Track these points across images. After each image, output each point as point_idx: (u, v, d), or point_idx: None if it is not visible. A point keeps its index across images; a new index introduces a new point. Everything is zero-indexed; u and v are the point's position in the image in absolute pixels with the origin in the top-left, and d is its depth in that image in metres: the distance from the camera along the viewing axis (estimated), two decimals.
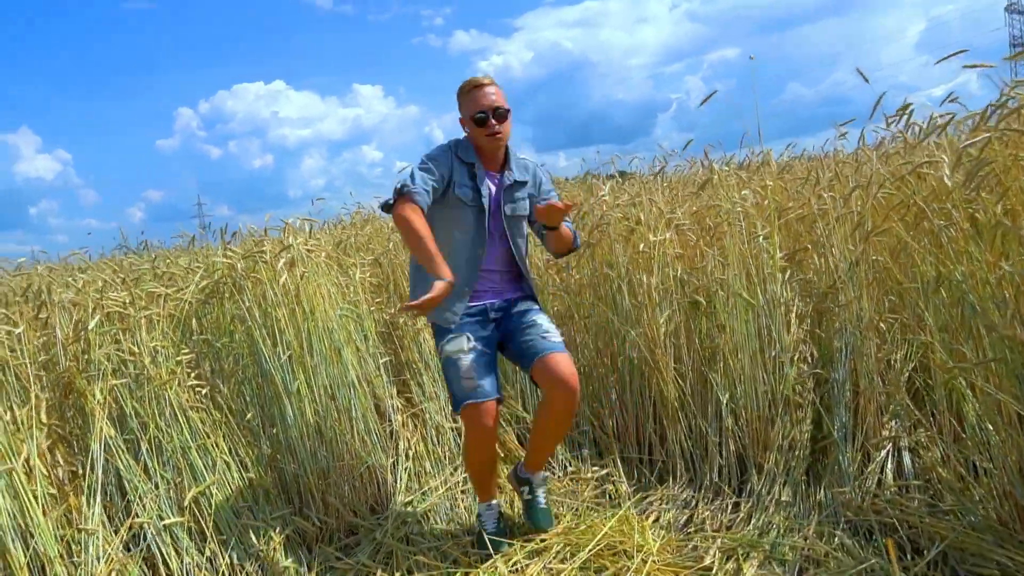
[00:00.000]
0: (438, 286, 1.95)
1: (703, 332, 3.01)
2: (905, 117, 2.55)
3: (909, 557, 2.02)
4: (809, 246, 3.21)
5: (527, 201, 2.44)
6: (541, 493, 2.45)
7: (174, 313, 2.82)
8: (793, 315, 2.88)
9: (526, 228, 2.50)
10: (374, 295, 3.77)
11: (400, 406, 3.16)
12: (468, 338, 2.26)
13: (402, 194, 2.14)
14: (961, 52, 2.48)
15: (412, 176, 2.19)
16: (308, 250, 2.94)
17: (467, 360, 2.21)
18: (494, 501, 2.43)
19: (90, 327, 2.54)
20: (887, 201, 2.75)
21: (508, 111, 2.29)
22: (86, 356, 2.58)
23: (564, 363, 2.21)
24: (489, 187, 2.34)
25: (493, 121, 2.25)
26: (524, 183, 2.42)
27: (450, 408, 2.38)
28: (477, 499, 2.45)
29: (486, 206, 2.29)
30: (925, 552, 1.99)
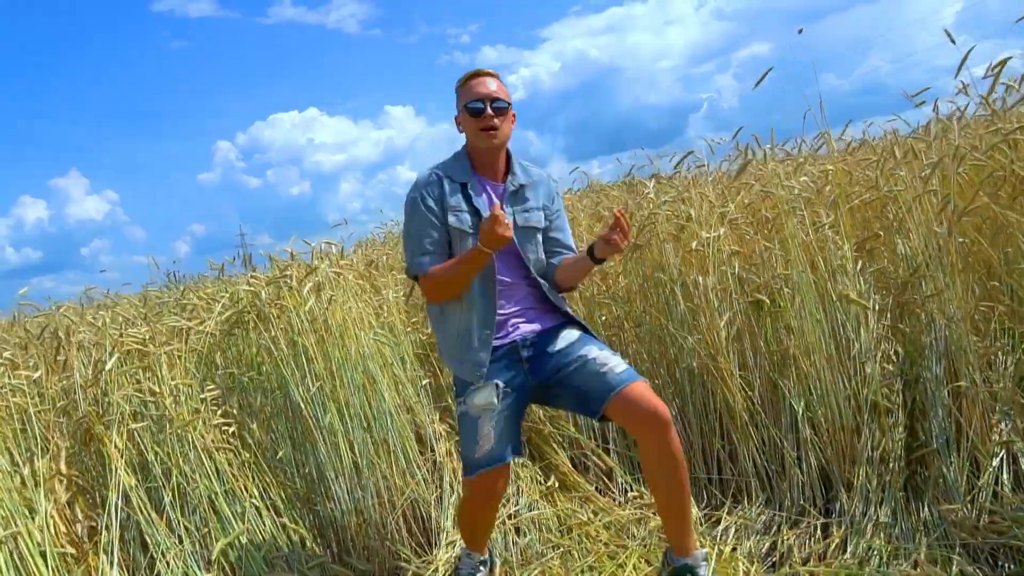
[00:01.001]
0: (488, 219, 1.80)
1: (769, 334, 2.72)
2: (993, 79, 2.23)
3: None
4: (881, 233, 2.90)
5: (541, 213, 2.06)
6: None
7: (197, 347, 2.65)
8: (870, 309, 2.58)
9: (539, 243, 2.07)
10: (410, 315, 3.58)
11: (444, 433, 2.93)
12: (497, 388, 1.88)
13: (417, 276, 1.98)
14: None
15: (413, 247, 1.97)
16: (336, 272, 2.75)
17: (489, 419, 1.88)
18: (482, 557, 2.19)
19: (107, 367, 2.38)
20: (972, 177, 2.44)
21: (509, 106, 1.97)
22: (106, 399, 2.43)
23: (642, 394, 1.80)
24: (490, 199, 1.99)
25: (490, 112, 1.93)
26: (531, 188, 2.05)
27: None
28: (463, 543, 2.23)
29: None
30: None
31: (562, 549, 2.41)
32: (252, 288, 2.65)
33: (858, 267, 2.67)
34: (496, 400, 1.86)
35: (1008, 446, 2.12)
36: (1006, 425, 2.18)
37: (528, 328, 1.98)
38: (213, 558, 2.08)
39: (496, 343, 1.93)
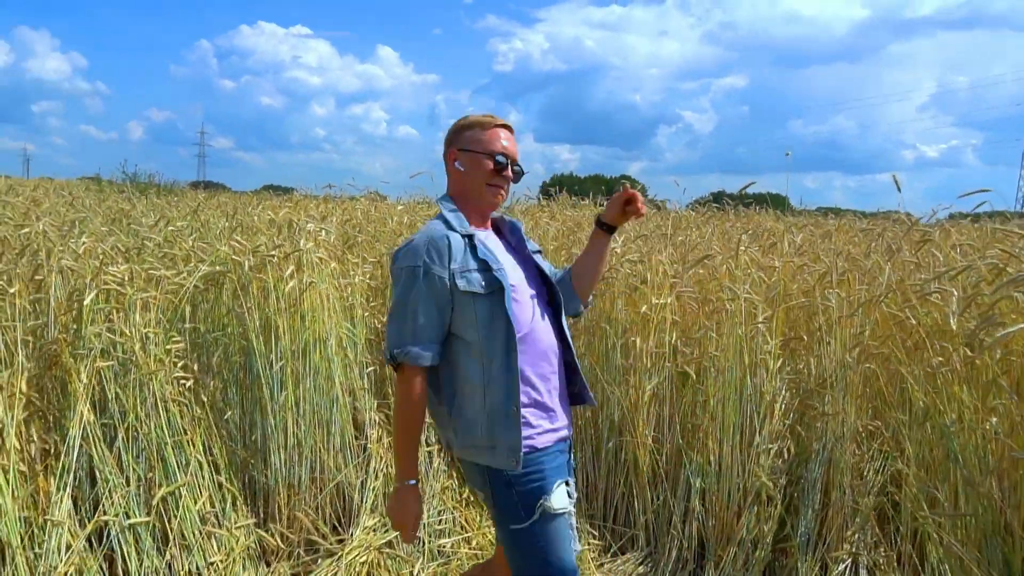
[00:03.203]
0: (408, 502, 1.62)
1: (687, 407, 3.04)
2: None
3: None
4: (805, 337, 3.24)
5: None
6: None
7: (170, 297, 2.80)
8: (778, 406, 2.92)
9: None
10: (369, 298, 3.77)
11: (378, 421, 3.17)
12: (568, 484, 1.69)
13: (398, 366, 1.63)
14: (983, 191, 2.54)
15: (405, 328, 1.63)
16: (320, 258, 2.93)
17: (571, 518, 1.68)
18: None
19: (85, 302, 2.51)
20: (891, 317, 2.79)
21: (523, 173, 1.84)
22: (76, 328, 2.56)
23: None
24: (489, 250, 1.72)
25: (510, 173, 1.78)
26: (520, 234, 1.88)
27: None
28: None
29: (504, 283, 1.65)
30: None
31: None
32: (236, 257, 2.81)
33: (778, 364, 3.01)
34: (569, 501, 1.67)
35: (855, 557, 2.49)
36: (859, 538, 2.55)
37: (566, 424, 1.76)
38: (154, 503, 2.28)
39: (550, 431, 1.69)
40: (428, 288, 1.62)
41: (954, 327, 2.21)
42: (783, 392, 2.95)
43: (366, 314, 3.48)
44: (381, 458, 3.03)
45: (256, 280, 2.76)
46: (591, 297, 1.96)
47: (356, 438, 3.00)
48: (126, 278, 2.67)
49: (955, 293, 2.43)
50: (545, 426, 1.66)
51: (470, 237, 1.70)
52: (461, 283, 1.63)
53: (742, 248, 3.17)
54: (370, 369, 3.23)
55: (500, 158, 1.75)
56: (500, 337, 1.64)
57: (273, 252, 2.79)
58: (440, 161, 1.86)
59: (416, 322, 1.62)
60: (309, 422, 2.70)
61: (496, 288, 1.65)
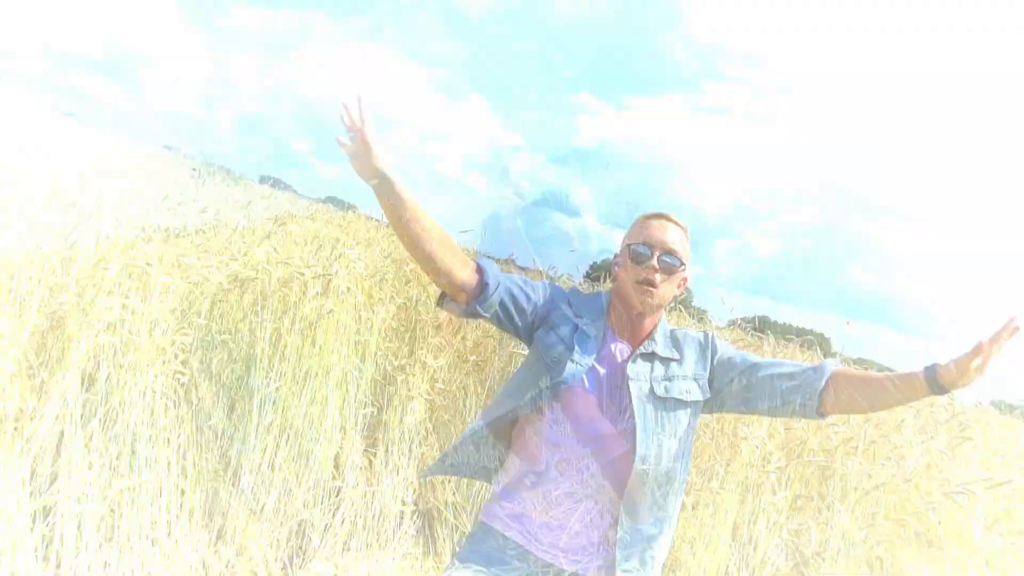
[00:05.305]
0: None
1: (675, 540, 2.88)
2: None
3: None
4: (815, 497, 3.07)
5: (693, 382, 1.58)
6: None
7: (192, 287, 2.77)
8: (769, 565, 2.74)
9: (688, 423, 1.57)
10: (388, 338, 3.70)
11: (361, 466, 3.06)
12: None
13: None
14: None
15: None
16: (347, 287, 2.89)
17: None
18: None
19: (110, 273, 2.49)
20: (911, 504, 2.62)
21: (682, 265, 1.57)
22: (92, 296, 2.53)
23: None
24: (611, 360, 1.57)
25: (655, 263, 1.54)
26: (675, 361, 1.59)
27: None
28: None
29: (585, 377, 1.51)
30: None
31: None
32: (267, 266, 2.78)
33: (781, 519, 2.84)
34: None
35: None
36: None
37: (571, 564, 1.53)
38: (111, 494, 2.19)
39: (519, 541, 1.54)
40: (534, 286, 1.60)
41: (977, 540, 2.05)
42: (779, 551, 2.78)
43: (379, 353, 3.41)
44: (352, 505, 2.92)
45: (279, 293, 2.73)
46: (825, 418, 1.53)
47: (333, 478, 2.89)
48: (157, 259, 2.65)
49: (982, 499, 2.27)
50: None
51: (578, 321, 1.58)
52: (539, 333, 1.59)
53: None
54: (367, 410, 3.14)
55: (637, 248, 1.57)
56: (551, 424, 1.55)
57: (305, 270, 2.76)
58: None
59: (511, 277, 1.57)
60: (290, 451, 2.61)
61: (560, 366, 1.52)
